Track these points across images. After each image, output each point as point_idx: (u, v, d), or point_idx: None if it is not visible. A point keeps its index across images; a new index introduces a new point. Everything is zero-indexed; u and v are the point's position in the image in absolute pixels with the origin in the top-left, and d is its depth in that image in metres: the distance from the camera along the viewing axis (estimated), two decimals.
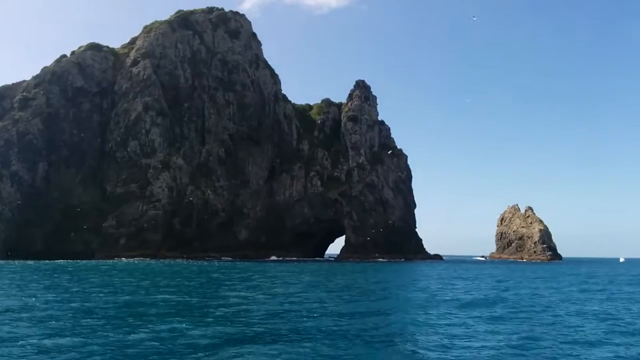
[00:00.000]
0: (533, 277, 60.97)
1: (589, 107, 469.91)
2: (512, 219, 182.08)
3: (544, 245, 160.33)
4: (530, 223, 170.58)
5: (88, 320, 19.44)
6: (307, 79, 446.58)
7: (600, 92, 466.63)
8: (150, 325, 18.24)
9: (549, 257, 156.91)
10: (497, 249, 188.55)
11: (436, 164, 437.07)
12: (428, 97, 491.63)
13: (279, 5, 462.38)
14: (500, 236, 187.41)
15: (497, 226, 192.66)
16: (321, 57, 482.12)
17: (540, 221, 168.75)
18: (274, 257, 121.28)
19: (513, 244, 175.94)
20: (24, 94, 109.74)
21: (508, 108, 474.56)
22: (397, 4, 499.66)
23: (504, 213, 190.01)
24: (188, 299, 28.08)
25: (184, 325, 18.45)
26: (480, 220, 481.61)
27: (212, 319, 20.30)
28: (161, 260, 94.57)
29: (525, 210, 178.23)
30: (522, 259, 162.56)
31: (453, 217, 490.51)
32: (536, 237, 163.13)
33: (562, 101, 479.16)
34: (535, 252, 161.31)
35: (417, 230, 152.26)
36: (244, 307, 24.65)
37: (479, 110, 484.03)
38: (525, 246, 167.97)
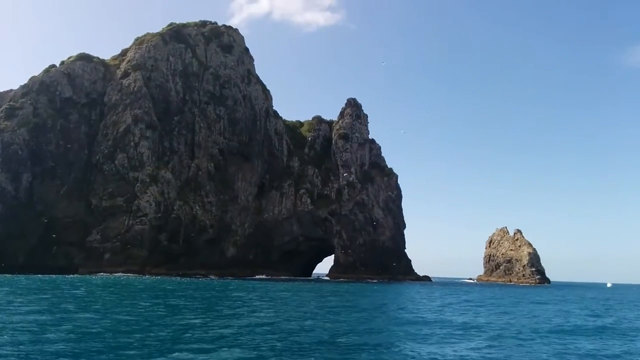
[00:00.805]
0: (558, 306, 52.54)
1: (580, 130, 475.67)
2: (501, 241, 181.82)
3: (533, 269, 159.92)
4: (519, 246, 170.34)
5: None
6: (295, 96, 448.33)
7: (592, 118, 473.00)
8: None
9: (537, 280, 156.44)
10: (485, 272, 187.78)
11: (422, 183, 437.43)
12: (416, 117, 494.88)
13: (267, 23, 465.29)
14: (489, 259, 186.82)
15: (486, 248, 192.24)
16: (309, 74, 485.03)
17: (529, 244, 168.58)
18: (262, 276, 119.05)
19: (501, 267, 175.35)
20: (11, 103, 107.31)
21: (497, 130, 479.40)
22: (385, 22, 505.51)
23: (493, 235, 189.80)
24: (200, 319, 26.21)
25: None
26: (467, 242, 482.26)
27: None
28: (147, 276, 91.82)
29: (514, 233, 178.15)
30: (510, 281, 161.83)
31: (439, 238, 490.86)
32: (525, 261, 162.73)
33: (551, 124, 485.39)
34: (524, 275, 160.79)
35: (406, 251, 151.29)
36: None
37: (468, 132, 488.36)
38: (514, 269, 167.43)
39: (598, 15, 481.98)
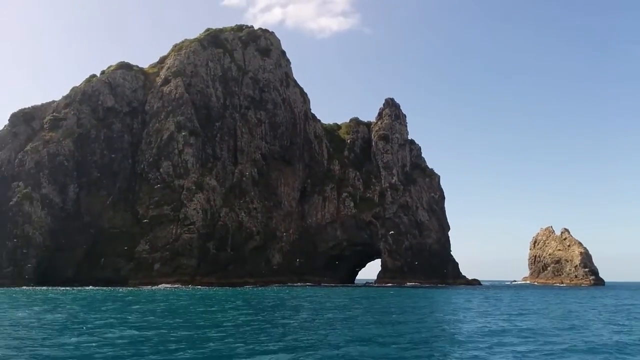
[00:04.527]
0: None
1: (630, 123, 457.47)
2: (547, 241, 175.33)
3: (586, 269, 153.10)
4: (568, 246, 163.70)
5: None
6: (313, 102, 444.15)
7: None
8: None
9: (592, 281, 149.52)
10: (531, 273, 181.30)
11: (457, 182, 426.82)
12: (446, 115, 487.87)
13: (281, 30, 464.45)
14: (534, 260, 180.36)
15: (530, 249, 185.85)
16: (324, 80, 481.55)
17: (580, 244, 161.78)
18: (308, 283, 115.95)
19: (549, 268, 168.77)
20: (54, 114, 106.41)
21: (539, 123, 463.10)
22: (400, 24, 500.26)
23: (537, 235, 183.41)
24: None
25: None
26: (509, 242, 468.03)
27: None
28: (201, 287, 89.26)
29: (562, 232, 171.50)
30: (561, 283, 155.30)
31: (481, 240, 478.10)
32: (576, 261, 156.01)
33: (600, 117, 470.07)
34: (576, 276, 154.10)
35: (452, 253, 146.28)
36: None
37: (500, 126, 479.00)
38: (564, 270, 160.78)
39: None
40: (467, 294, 76.37)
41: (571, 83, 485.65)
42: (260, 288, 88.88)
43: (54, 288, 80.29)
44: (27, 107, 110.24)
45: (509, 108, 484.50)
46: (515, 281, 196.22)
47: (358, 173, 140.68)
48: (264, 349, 19.43)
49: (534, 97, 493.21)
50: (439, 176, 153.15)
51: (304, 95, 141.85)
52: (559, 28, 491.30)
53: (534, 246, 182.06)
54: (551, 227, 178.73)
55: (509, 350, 20.38)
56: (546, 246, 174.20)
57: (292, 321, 30.39)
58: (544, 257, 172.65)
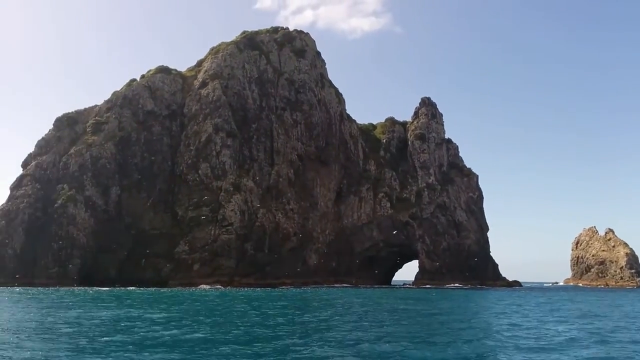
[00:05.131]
0: None
1: None
2: (590, 242, 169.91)
3: (632, 271, 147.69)
4: (613, 246, 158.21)
5: None
6: (348, 102, 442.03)
7: None
8: None
9: (638, 283, 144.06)
10: (574, 275, 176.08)
11: (496, 181, 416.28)
12: (483, 113, 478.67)
13: (313, 32, 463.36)
14: (577, 261, 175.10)
15: (572, 250, 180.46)
16: (358, 81, 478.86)
17: (625, 244, 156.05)
18: (345, 285, 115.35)
19: (593, 270, 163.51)
20: (97, 118, 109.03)
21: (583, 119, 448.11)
22: (432, 23, 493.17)
23: (580, 236, 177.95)
24: None
25: None
26: (548, 243, 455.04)
27: None
28: (242, 288, 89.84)
29: (606, 233, 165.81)
30: (606, 285, 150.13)
31: (518, 240, 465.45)
32: (622, 262, 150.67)
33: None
34: (621, 277, 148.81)
35: (491, 254, 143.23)
36: None
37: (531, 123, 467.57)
38: (609, 271, 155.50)
39: None
40: (518, 297, 73.61)
41: (616, 79, 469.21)
42: (300, 289, 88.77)
43: (110, 289, 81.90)
44: (70, 111, 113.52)
45: (549, 104, 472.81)
46: (556, 283, 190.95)
47: (394, 173, 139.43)
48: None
49: (576, 92, 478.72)
50: (477, 175, 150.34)
51: (339, 95, 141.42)
52: (609, 22, 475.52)
53: (577, 247, 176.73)
54: (594, 227, 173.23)
55: None
56: (589, 247, 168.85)
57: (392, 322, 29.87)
58: (587, 258, 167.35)
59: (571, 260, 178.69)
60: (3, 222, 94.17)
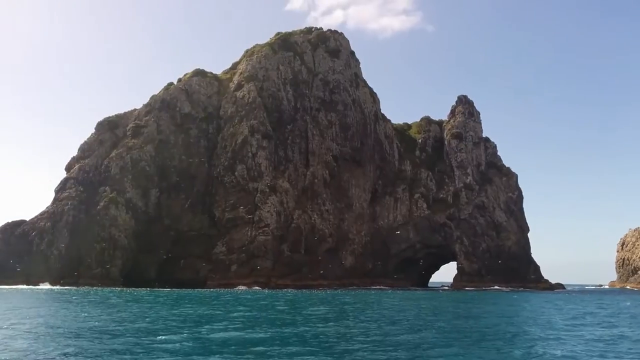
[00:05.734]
0: None
1: None
2: (637, 243, 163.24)
3: None
4: None
5: None
6: (382, 102, 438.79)
7: None
8: None
9: None
10: (619, 277, 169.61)
11: (536, 181, 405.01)
12: (522, 111, 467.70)
13: (343, 31, 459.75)
14: (622, 263, 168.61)
15: (617, 252, 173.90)
16: (391, 80, 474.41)
17: None
18: (381, 286, 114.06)
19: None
20: (136, 121, 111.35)
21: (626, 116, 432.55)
22: (463, 20, 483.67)
23: (625, 237, 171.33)
24: None
25: None
26: (590, 244, 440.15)
27: None
28: (281, 289, 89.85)
29: None
30: None
31: (560, 241, 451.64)
32: None
33: None
34: None
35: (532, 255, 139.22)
36: None
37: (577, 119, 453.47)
38: None
39: None
40: (571, 302, 64.60)
41: None
42: (337, 291, 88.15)
43: (159, 290, 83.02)
44: (111, 115, 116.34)
45: (590, 102, 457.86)
46: (601, 285, 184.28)
47: (430, 173, 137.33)
48: None
49: (619, 89, 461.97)
50: (517, 175, 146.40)
51: (373, 95, 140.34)
52: None
53: (622, 248, 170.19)
54: None
55: None
56: (636, 248, 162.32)
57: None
58: (634, 260, 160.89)
59: (616, 262, 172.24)
60: (49, 223, 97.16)
